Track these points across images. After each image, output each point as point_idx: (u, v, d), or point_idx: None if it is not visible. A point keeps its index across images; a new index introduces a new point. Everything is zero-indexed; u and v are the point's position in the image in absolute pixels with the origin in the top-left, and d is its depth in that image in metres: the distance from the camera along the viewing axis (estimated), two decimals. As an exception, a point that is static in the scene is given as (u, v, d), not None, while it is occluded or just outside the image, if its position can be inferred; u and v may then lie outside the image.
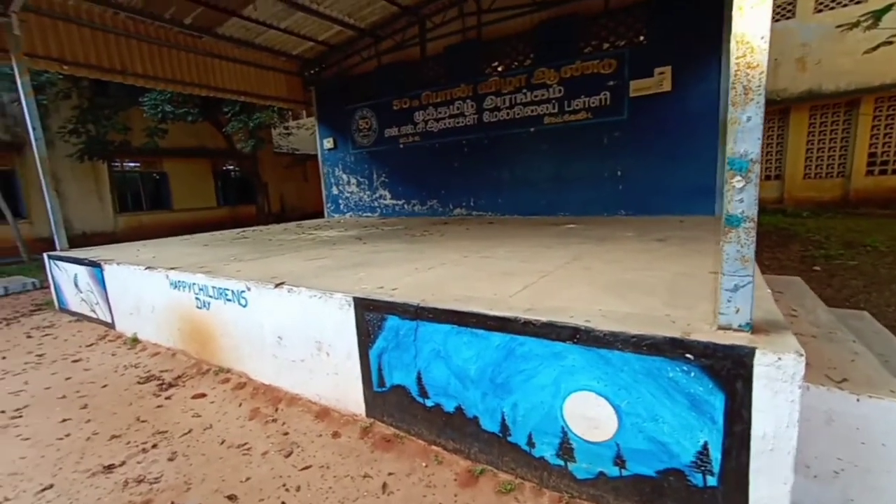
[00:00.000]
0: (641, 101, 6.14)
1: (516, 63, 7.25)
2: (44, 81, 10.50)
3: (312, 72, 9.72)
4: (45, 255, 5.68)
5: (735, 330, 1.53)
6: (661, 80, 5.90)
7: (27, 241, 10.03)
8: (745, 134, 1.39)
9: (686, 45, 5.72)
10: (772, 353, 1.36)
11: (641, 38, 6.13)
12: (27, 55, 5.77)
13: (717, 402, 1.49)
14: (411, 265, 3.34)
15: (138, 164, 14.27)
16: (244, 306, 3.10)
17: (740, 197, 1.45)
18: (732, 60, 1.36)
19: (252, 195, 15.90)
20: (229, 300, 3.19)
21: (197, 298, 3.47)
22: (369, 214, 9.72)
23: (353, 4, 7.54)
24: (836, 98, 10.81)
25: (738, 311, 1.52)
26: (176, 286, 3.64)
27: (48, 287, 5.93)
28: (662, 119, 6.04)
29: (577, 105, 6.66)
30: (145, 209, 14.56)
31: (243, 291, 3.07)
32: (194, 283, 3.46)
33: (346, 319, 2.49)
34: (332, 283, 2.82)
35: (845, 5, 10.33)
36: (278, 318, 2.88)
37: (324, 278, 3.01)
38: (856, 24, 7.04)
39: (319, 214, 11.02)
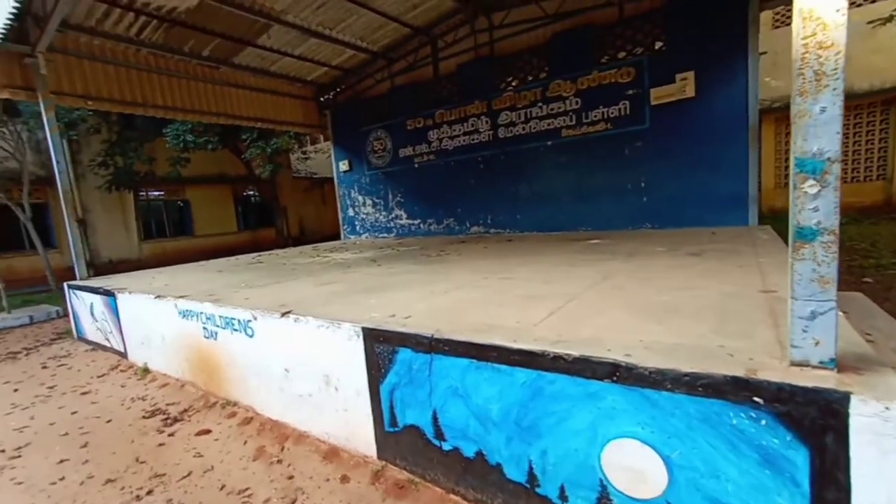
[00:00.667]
0: (664, 109, 5.88)
1: (531, 77, 7.12)
2: (75, 118, 10.96)
3: (327, 96, 9.85)
4: (65, 285, 5.72)
5: (815, 367, 1.25)
6: (684, 86, 5.64)
7: (56, 271, 10.28)
8: (818, 128, 1.14)
9: (708, 48, 5.47)
10: (874, 401, 1.07)
11: (660, 44, 5.91)
12: (54, 93, 5.96)
13: (800, 458, 1.20)
14: (426, 288, 3.13)
15: (162, 193, 14.68)
16: (251, 336, 2.93)
17: (814, 205, 1.19)
18: (798, 42, 1.13)
19: (272, 219, 16.11)
20: (236, 330, 3.04)
21: (204, 328, 3.33)
22: (385, 235, 9.61)
23: (366, 28, 7.61)
24: (870, 97, 10.26)
25: (817, 344, 1.24)
26: (184, 315, 3.53)
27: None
28: (687, 126, 5.76)
29: (595, 116, 6.44)
30: (168, 236, 14.89)
31: (250, 321, 2.91)
32: (202, 312, 3.33)
33: (355, 351, 2.29)
34: (341, 310, 2.63)
35: (874, 1, 9.91)
36: (285, 349, 2.70)
37: (334, 305, 2.83)
38: (889, 19, 6.67)
39: (337, 236, 10.99)
